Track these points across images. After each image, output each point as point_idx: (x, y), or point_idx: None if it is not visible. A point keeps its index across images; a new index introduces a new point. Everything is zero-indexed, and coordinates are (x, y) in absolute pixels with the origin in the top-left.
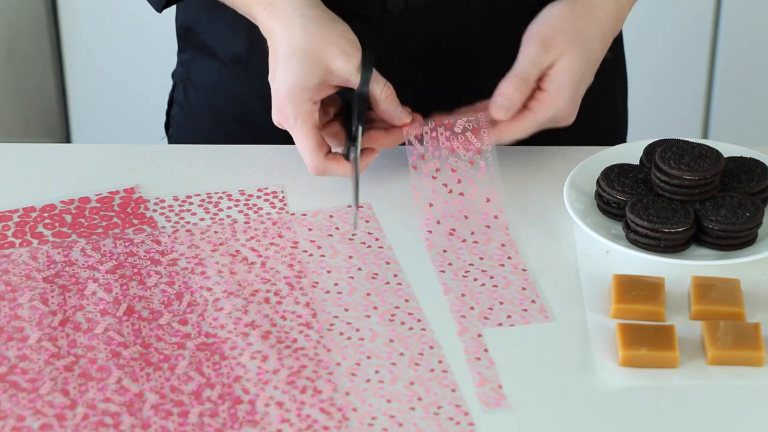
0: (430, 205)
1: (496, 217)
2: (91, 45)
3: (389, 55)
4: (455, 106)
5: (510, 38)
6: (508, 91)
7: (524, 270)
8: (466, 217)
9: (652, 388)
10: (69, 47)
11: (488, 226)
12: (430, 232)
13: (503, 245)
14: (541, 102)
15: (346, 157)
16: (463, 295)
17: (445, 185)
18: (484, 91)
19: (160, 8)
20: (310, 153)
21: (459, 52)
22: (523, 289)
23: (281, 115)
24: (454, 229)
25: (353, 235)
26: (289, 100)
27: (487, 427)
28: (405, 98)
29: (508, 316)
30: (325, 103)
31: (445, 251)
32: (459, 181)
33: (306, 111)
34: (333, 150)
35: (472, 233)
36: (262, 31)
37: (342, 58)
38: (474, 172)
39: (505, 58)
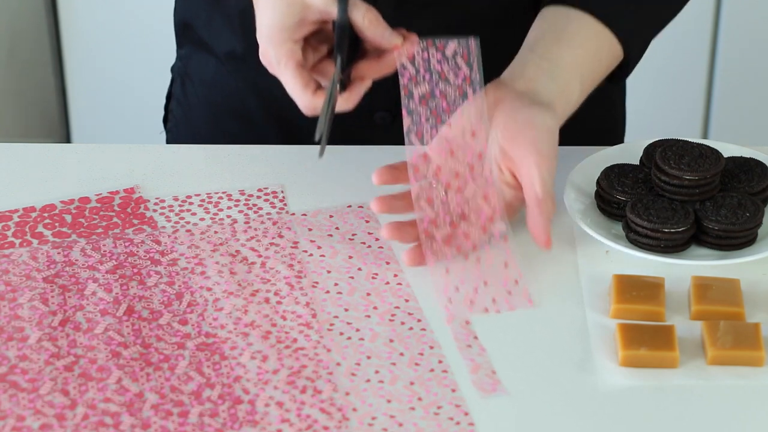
0: (419, 134)
1: (480, 155)
2: (91, 45)
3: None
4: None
5: (506, 38)
6: (552, 213)
7: (506, 239)
8: (452, 153)
9: (652, 388)
10: (69, 47)
11: (472, 166)
12: (417, 170)
13: (485, 198)
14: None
15: (341, 89)
16: (447, 271)
17: (434, 112)
18: None
19: None
20: (298, 92)
21: None
22: (506, 265)
23: (265, 59)
24: (439, 167)
25: (353, 235)
26: (270, 43)
27: (487, 427)
28: (397, 101)
29: (494, 300)
30: (319, 41)
31: (429, 200)
32: (447, 109)
33: (288, 51)
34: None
35: (457, 175)
36: None
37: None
38: (462, 100)
39: (502, 57)
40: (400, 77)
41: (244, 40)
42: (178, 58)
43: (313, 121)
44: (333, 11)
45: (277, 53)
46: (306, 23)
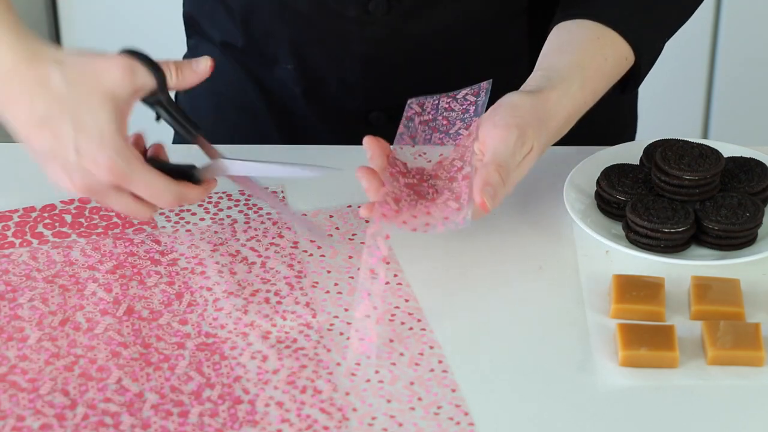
0: (411, 136)
1: (462, 157)
2: (91, 45)
3: (376, 55)
4: None
5: (497, 42)
6: (496, 180)
7: (467, 177)
8: (441, 143)
9: (652, 388)
10: (69, 47)
11: (457, 144)
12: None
13: (462, 158)
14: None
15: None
16: (396, 200)
17: (433, 128)
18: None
19: None
20: (168, 183)
21: (446, 54)
22: (457, 198)
23: (114, 173)
24: (428, 138)
25: (353, 235)
26: (116, 152)
27: (487, 427)
28: (391, 102)
29: (426, 224)
30: None
31: (393, 175)
32: (447, 124)
33: (133, 150)
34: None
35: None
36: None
37: (123, 75)
38: (463, 115)
39: (493, 61)
40: (405, 112)
41: (245, 35)
42: (188, 47)
43: (311, 109)
44: (148, 85)
45: (127, 157)
46: (125, 115)
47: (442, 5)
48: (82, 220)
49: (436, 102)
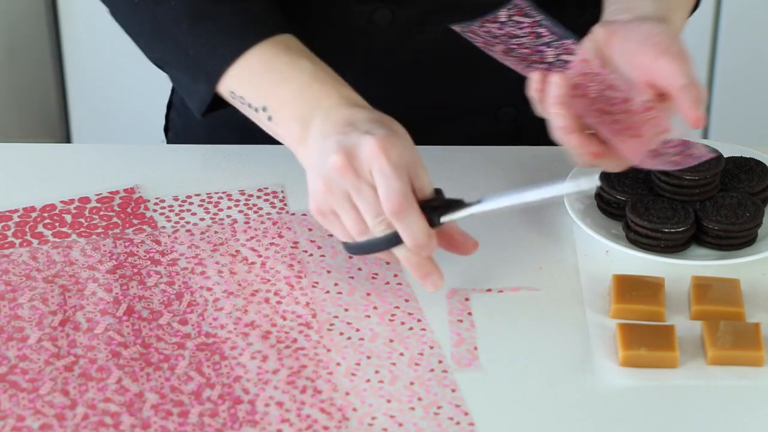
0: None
1: (612, 86)
2: (91, 45)
3: (379, 66)
4: (447, 117)
5: None
6: (704, 96)
7: (647, 108)
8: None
9: (652, 388)
10: (69, 47)
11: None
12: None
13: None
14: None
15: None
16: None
17: (521, 58)
18: (476, 102)
19: (200, 115)
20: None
21: (449, 62)
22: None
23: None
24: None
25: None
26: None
27: (487, 427)
28: (396, 111)
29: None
30: None
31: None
32: (531, 52)
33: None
34: None
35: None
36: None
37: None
38: (538, 40)
39: (498, 69)
40: (475, 38)
41: None
42: None
43: None
44: None
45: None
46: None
47: (445, 14)
48: (82, 220)
49: (486, 29)
